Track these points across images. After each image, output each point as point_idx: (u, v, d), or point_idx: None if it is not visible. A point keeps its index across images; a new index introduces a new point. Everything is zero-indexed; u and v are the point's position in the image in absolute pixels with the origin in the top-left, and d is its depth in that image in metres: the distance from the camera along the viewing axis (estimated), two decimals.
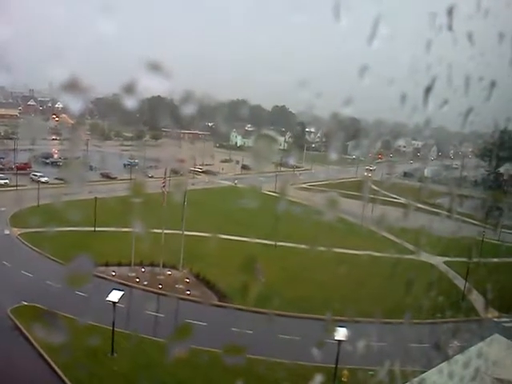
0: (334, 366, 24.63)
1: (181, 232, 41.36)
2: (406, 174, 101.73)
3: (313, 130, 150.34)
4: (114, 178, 77.81)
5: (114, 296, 27.97)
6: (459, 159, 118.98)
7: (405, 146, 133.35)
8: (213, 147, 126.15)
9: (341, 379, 22.41)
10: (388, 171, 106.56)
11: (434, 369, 6.47)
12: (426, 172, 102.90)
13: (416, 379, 5.68)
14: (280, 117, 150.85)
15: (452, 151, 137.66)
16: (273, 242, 50.88)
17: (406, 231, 34.48)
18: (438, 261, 44.34)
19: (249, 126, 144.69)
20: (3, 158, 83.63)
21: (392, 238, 50.87)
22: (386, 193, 70.28)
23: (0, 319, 30.93)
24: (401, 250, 42.47)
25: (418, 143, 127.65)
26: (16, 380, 23.63)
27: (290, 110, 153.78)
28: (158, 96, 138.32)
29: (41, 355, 26.86)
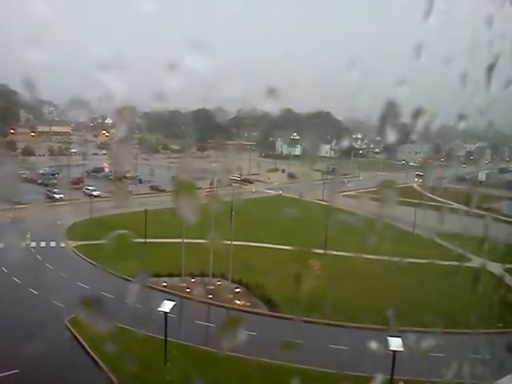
0: (387, 376, 23.99)
1: (229, 242, 41.53)
2: (458, 179, 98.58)
3: (359, 136, 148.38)
4: (163, 191, 79.27)
5: (166, 306, 28.31)
6: None
7: (456, 150, 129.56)
8: (258, 157, 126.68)
9: None
10: (439, 176, 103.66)
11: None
12: (480, 176, 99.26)
13: None
14: (326, 124, 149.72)
15: (507, 154, 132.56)
16: (322, 251, 50.29)
17: (460, 237, 33.29)
18: (496, 268, 42.56)
19: (294, 134, 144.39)
20: (58, 174, 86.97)
21: (445, 244, 49.29)
22: (437, 198, 68.40)
23: (58, 329, 31.89)
24: (455, 257, 41.07)
25: (471, 146, 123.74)
26: None
27: (336, 116, 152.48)
28: (204, 108, 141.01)
29: (97, 364, 27.48)
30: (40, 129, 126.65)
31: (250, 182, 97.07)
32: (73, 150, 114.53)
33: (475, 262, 35.82)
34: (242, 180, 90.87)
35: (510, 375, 5.64)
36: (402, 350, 22.12)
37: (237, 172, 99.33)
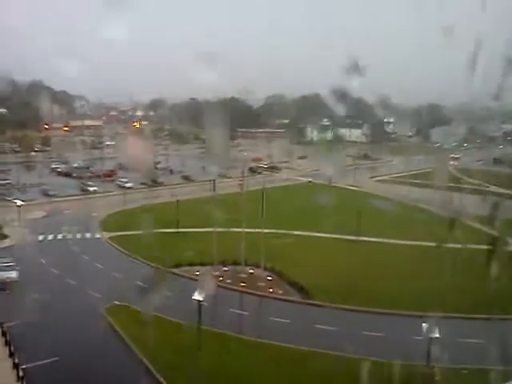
0: (422, 364, 23.60)
1: (261, 230, 41.48)
2: (495, 161, 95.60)
3: (392, 120, 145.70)
4: (194, 180, 79.88)
5: (199, 295, 28.46)
6: None
7: (493, 131, 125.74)
8: (289, 144, 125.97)
9: (433, 378, 21.36)
10: (476, 158, 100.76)
11: None
12: None
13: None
14: (356, 109, 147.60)
15: None
16: (355, 237, 49.77)
17: (498, 221, 32.32)
18: None
19: (324, 120, 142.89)
20: (91, 167, 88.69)
21: (483, 228, 48.05)
22: (473, 181, 66.64)
23: (95, 318, 32.60)
24: (490, 242, 39.96)
25: (508, 126, 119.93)
26: (110, 375, 24.73)
27: (367, 101, 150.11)
28: (232, 97, 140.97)
29: (133, 352, 27.95)
30: (72, 123, 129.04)
31: (278, 169, 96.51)
32: (108, 143, 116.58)
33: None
34: (269, 167, 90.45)
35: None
36: (437, 336, 21.65)
37: (267, 160, 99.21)
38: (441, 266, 37.37)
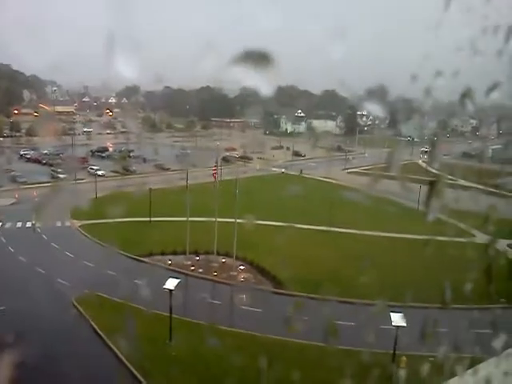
0: (390, 352, 24.21)
1: (234, 220, 41.60)
2: (464, 155, 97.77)
3: (365, 112, 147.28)
4: (168, 169, 79.28)
5: (171, 284, 28.50)
6: None
7: (462, 126, 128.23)
8: (263, 134, 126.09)
9: (399, 365, 21.98)
10: (445, 152, 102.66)
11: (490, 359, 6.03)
12: (486, 152, 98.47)
13: (471, 370, 5.28)
14: (330, 101, 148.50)
15: None
16: (326, 228, 50.34)
17: (465, 214, 33.17)
18: (500, 244, 42.48)
19: (299, 111, 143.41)
20: (62, 154, 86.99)
21: (450, 220, 49.22)
22: (443, 174, 68.01)
23: (65, 307, 32.28)
24: (459, 233, 40.99)
25: (477, 122, 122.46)
26: (80, 365, 24.56)
27: (341, 93, 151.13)
28: (208, 86, 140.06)
29: (103, 341, 27.82)
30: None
31: (252, 159, 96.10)
32: (86, 129, 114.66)
33: (479, 237, 35.72)
34: (243, 158, 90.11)
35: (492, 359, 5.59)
36: (404, 325, 22.24)
37: (241, 150, 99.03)
38: (410, 256, 38.27)
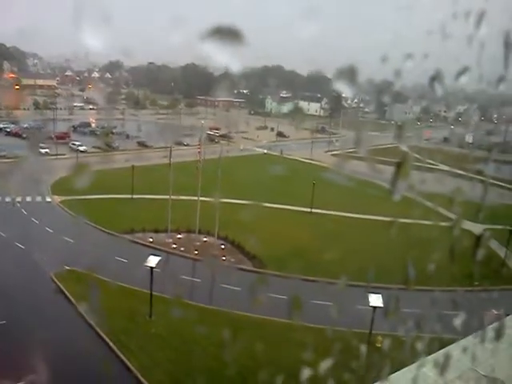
0: (367, 331, 24.72)
1: (215, 199, 41.59)
2: (445, 140, 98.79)
3: (350, 95, 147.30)
4: (151, 147, 78.64)
5: (152, 261, 28.56)
6: (504, 124, 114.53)
7: (445, 111, 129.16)
8: (247, 114, 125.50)
9: (375, 344, 22.44)
10: (427, 137, 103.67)
11: (459, 342, 6.24)
12: (467, 137, 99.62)
13: (441, 352, 5.45)
14: (316, 82, 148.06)
15: (496, 115, 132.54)
16: (308, 209, 50.71)
17: (444, 198, 33.55)
18: (477, 228, 43.27)
19: (284, 92, 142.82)
20: (43, 128, 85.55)
21: (429, 204, 49.95)
22: (424, 159, 68.71)
23: (44, 283, 32.18)
24: (437, 217, 41.60)
25: (460, 108, 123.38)
26: (60, 341, 24.59)
27: (327, 75, 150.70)
28: (193, 64, 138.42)
29: (83, 317, 27.83)
30: (24, 82, 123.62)
31: (235, 139, 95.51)
32: (79, 104, 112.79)
33: (455, 221, 36.36)
34: (226, 137, 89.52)
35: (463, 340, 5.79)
36: (381, 305, 22.68)
37: (225, 129, 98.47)
38: (392, 239, 38.72)
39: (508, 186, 55.95)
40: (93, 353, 24.62)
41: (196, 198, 41.88)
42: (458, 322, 6.15)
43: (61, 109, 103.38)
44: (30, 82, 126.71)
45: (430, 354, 6.00)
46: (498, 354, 6.41)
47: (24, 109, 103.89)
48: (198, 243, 41.27)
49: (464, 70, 5.07)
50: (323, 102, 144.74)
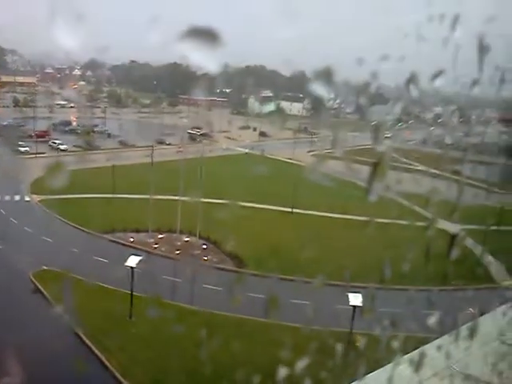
0: (346, 330, 24.89)
1: (198, 199, 41.51)
2: (425, 141, 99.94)
3: (332, 95, 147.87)
4: (132, 146, 78.06)
5: (132, 261, 28.40)
6: (482, 125, 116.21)
7: (424, 112, 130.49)
8: (230, 114, 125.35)
9: (354, 343, 22.63)
10: (407, 138, 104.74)
11: (436, 341, 6.35)
12: (447, 138, 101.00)
13: (417, 351, 5.54)
14: (298, 82, 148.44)
15: (475, 117, 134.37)
16: (289, 209, 50.87)
17: (422, 198, 33.92)
18: (455, 228, 43.81)
19: (267, 92, 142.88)
20: (23, 126, 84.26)
21: (407, 204, 50.50)
22: (404, 160, 69.57)
23: (22, 283, 31.73)
24: (416, 217, 42.11)
25: (439, 109, 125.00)
26: (38, 340, 24.29)
27: (309, 76, 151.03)
28: (175, 63, 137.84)
29: (61, 317, 27.49)
30: (3, 79, 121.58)
31: (218, 138, 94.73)
32: (60, 102, 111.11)
33: (433, 221, 36.84)
34: (209, 136, 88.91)
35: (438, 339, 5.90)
36: (361, 305, 22.86)
37: (208, 129, 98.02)
38: (370, 239, 39.12)
39: (483, 186, 56.95)
40: (72, 354, 24.36)
41: (178, 197, 41.69)
42: (432, 321, 6.25)
43: (41, 107, 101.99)
44: (10, 79, 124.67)
45: (406, 353, 6.08)
46: (471, 352, 6.53)
47: (3, 106, 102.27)
48: (180, 243, 41.13)
49: (439, 73, 5.17)
50: (305, 103, 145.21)
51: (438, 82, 5.02)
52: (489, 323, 7.79)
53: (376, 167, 4.21)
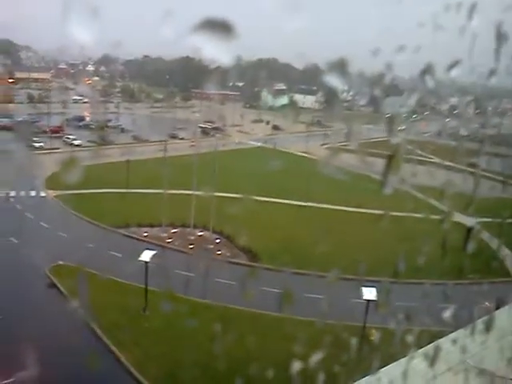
0: (360, 324, 24.79)
1: (212, 193, 41.54)
2: (440, 133, 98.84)
3: (346, 87, 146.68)
4: (146, 140, 78.35)
5: (146, 256, 28.54)
6: (499, 116, 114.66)
7: (442, 104, 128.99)
8: (242, 107, 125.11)
9: (369, 338, 22.53)
10: (422, 129, 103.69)
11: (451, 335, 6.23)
12: (462, 130, 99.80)
13: (431, 345, 5.45)
14: (312, 75, 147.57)
15: (491, 108, 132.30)
16: (303, 203, 50.67)
17: (437, 191, 33.52)
18: (470, 221, 43.26)
19: (279, 85, 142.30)
20: (37, 122, 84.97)
21: (423, 197, 50.04)
22: (419, 152, 68.92)
23: (38, 278, 32.09)
24: (431, 210, 41.71)
25: (456, 100, 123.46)
26: (53, 334, 24.56)
27: (322, 68, 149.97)
28: (187, 57, 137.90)
29: (76, 312, 27.76)
30: (18, 75, 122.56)
31: (231, 132, 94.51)
32: (76, 97, 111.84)
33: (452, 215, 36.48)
34: (221, 130, 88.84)
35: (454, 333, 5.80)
36: (375, 299, 22.72)
37: (221, 123, 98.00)
38: (385, 233, 38.87)
39: (499, 178, 56.15)
40: (86, 347, 24.59)
41: (191, 192, 41.77)
42: (447, 314, 6.14)
43: (55, 102, 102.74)
44: (24, 75, 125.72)
45: (421, 347, 5.98)
46: (487, 346, 6.41)
47: (18, 102, 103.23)
48: (193, 237, 41.24)
49: (456, 63, 5.03)
50: (319, 95, 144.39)
51: (454, 73, 4.89)
52: (504, 317, 7.66)
53: (390, 160, 4.12)
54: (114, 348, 25.11)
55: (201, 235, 41.82)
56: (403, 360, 5.62)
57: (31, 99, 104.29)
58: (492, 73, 5.17)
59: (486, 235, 41.32)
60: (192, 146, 49.29)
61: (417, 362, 5.54)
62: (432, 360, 5.18)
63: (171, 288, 29.94)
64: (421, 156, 66.89)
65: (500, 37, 4.47)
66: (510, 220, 41.33)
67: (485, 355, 6.19)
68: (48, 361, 21.10)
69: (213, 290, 31.21)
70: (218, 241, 40.33)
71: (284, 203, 51.31)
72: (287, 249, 37.48)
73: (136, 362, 24.05)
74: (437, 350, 5.37)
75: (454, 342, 6.13)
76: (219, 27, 2.37)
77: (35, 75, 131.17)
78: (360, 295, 24.83)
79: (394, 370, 5.79)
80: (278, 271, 31.76)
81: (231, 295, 28.95)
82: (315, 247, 37.86)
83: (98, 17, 2.56)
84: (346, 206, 50.94)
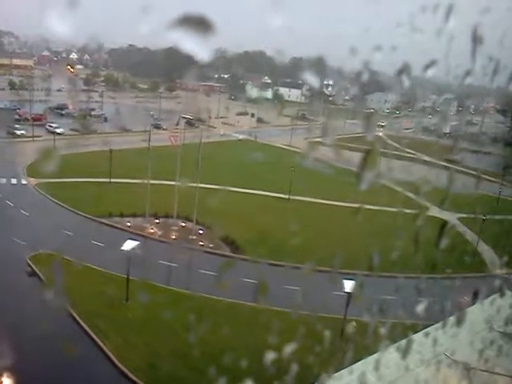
0: (341, 316, 25.11)
1: (195, 184, 41.52)
2: (423, 129, 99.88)
3: (331, 82, 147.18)
4: (129, 130, 77.71)
5: (129, 245, 28.45)
6: (480, 115, 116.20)
7: (424, 101, 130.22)
8: (228, 99, 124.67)
9: (349, 329, 22.87)
10: (405, 126, 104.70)
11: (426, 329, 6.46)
12: (444, 127, 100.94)
13: (405, 339, 5.66)
14: (297, 69, 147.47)
15: (473, 106, 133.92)
16: (286, 196, 50.95)
17: (419, 186, 34.12)
18: (451, 217, 43.99)
19: (265, 78, 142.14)
20: (19, 109, 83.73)
21: (404, 192, 50.58)
22: (402, 148, 69.58)
23: (19, 266, 31.82)
24: (413, 205, 42.25)
25: (438, 98, 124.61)
26: (34, 323, 24.43)
27: (305, 63, 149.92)
28: (173, 47, 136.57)
29: (58, 300, 27.64)
30: None
31: (207, 122, 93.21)
32: (62, 86, 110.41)
33: (431, 210, 36.98)
34: (203, 122, 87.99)
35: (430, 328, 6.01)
36: (353, 291, 22.97)
37: (205, 114, 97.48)
38: (365, 226, 39.31)
39: (483, 175, 57.05)
40: (68, 336, 24.54)
41: (174, 183, 41.69)
42: (421, 308, 6.33)
43: (38, 90, 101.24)
44: (6, 61, 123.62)
45: (395, 340, 6.18)
46: (459, 339, 6.64)
47: None
48: (176, 228, 41.22)
49: (432, 63, 5.19)
50: (304, 89, 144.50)
51: (431, 72, 5.04)
52: (478, 311, 7.92)
53: (368, 155, 4.26)
54: (94, 336, 25.14)
55: (184, 226, 41.82)
56: (376, 354, 5.81)
57: (13, 86, 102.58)
58: (468, 73, 5.33)
59: (463, 229, 42.17)
60: (174, 136, 48.89)
61: (390, 354, 5.75)
62: (405, 353, 5.37)
63: (153, 278, 30.00)
64: (401, 151, 67.61)
65: (476, 38, 4.61)
66: (481, 215, 42.26)
67: (457, 348, 6.42)
68: (27, 349, 21.07)
69: (194, 281, 31.31)
70: (201, 232, 40.37)
71: (268, 195, 51.52)
72: (270, 240, 37.76)
73: (117, 351, 24.11)
74: (410, 343, 5.57)
75: (427, 335, 6.34)
76: (197, 22, 2.46)
77: (17, 61, 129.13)
78: (339, 288, 25.07)
79: (367, 362, 5.99)
80: (259, 263, 31.96)
81: (213, 286, 29.18)
82: (297, 239, 38.15)
83: (81, 4, 2.62)
84: (329, 199, 51.28)
